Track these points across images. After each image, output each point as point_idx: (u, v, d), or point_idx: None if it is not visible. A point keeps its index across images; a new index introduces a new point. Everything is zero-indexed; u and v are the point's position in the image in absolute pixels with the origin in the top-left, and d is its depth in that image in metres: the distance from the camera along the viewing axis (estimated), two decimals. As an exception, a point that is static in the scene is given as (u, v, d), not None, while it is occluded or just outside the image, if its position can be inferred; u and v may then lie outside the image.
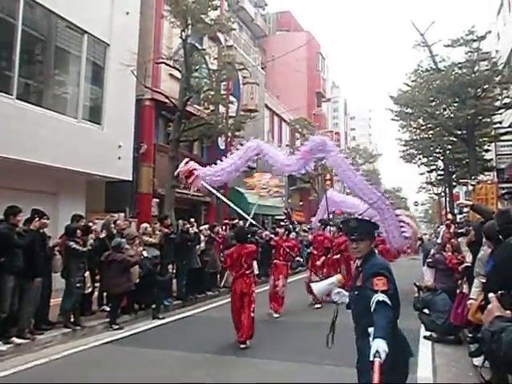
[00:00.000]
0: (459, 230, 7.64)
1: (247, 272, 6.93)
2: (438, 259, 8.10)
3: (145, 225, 9.66)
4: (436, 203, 45.98)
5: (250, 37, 27.90)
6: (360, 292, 2.98)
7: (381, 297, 2.75)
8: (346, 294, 3.27)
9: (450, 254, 7.55)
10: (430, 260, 8.71)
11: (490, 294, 1.95)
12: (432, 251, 10.79)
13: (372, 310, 2.75)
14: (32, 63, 11.09)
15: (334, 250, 10.30)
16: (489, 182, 12.25)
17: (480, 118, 17.81)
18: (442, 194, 31.90)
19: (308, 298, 10.19)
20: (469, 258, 6.22)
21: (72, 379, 5.30)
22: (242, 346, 6.55)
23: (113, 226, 8.85)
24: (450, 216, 9.40)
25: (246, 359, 6.13)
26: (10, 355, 6.09)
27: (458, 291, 6.81)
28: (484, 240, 4.58)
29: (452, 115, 18.28)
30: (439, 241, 9.36)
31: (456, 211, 25.75)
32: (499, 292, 2.01)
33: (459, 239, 7.35)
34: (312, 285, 3.14)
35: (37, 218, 6.70)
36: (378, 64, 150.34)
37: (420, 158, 22.82)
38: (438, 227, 18.26)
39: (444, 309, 7.14)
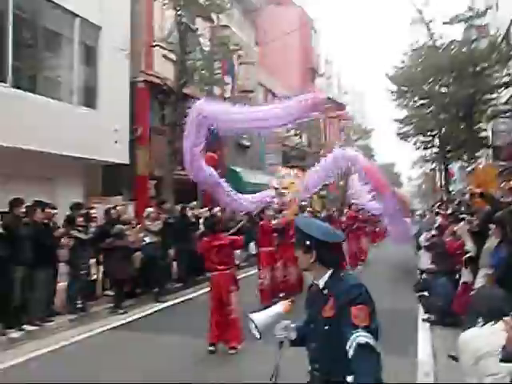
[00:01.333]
0: (461, 216, 7.69)
1: (222, 268, 5.94)
2: (436, 243, 8.23)
3: (149, 209, 9.66)
4: (430, 178, 46.17)
5: (241, 11, 27.39)
6: (331, 326, 2.14)
7: (362, 337, 2.02)
8: (294, 326, 2.41)
9: (449, 239, 7.66)
10: (428, 243, 8.86)
11: (507, 318, 1.89)
12: (425, 234, 10.97)
13: (350, 354, 2.02)
14: (24, 49, 10.89)
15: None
16: (488, 164, 12.27)
17: (478, 96, 17.74)
18: (437, 169, 32.02)
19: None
20: (470, 244, 6.29)
21: (83, 365, 5.45)
22: (231, 351, 5.81)
23: (114, 212, 8.88)
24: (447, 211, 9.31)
25: (253, 342, 6.23)
26: (23, 342, 6.29)
27: (457, 276, 6.94)
28: (492, 230, 4.62)
29: (450, 94, 18.19)
30: (435, 227, 9.45)
31: (451, 188, 25.97)
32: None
33: (460, 224, 7.43)
34: (250, 316, 2.24)
35: (39, 210, 6.73)
36: (372, 39, 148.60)
37: (415, 135, 22.80)
38: (433, 206, 18.41)
39: (444, 291, 7.30)
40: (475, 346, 2.86)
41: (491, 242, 4.86)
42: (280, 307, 2.38)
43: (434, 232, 9.02)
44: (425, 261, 9.65)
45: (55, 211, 7.21)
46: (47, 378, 3.39)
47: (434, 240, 8.80)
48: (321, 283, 2.22)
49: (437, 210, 16.95)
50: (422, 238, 12.81)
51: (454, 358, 3.86)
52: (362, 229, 16.22)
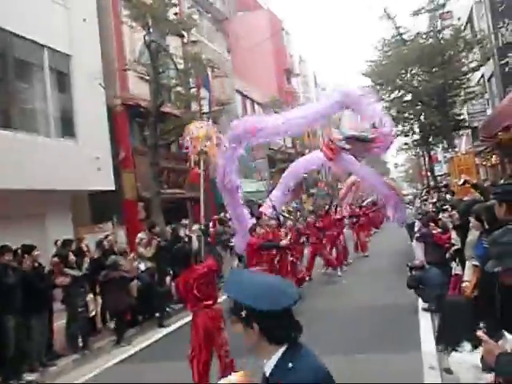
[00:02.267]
0: (444, 207, 7.82)
1: (206, 303, 5.03)
2: (426, 233, 8.33)
3: (141, 235, 9.61)
4: (415, 163, 46.60)
5: (211, 21, 27.43)
6: None
7: None
8: None
9: (436, 231, 7.75)
10: (418, 235, 8.97)
11: (478, 333, 1.95)
12: (417, 224, 11.11)
13: None
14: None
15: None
16: (466, 150, 12.52)
17: (449, 83, 18.09)
18: (421, 154, 32.35)
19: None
20: (454, 237, 6.38)
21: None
22: None
23: (106, 243, 8.84)
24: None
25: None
26: (24, 392, 6.15)
27: (449, 267, 7.02)
28: (472, 223, 4.69)
29: (422, 85, 18.51)
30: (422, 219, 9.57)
31: (436, 172, 26.29)
32: (480, 326, 2.05)
33: (443, 215, 7.53)
34: None
35: (27, 257, 6.66)
36: (344, 35, 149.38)
37: (395, 126, 23.06)
38: (421, 193, 18.64)
39: (437, 281, 7.38)
40: None
41: (473, 234, 4.93)
42: (235, 378, 1.90)
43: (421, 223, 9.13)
44: (418, 252, 9.74)
45: (38, 252, 7.07)
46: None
47: (423, 231, 8.90)
48: (267, 369, 1.59)
49: (425, 197, 17.18)
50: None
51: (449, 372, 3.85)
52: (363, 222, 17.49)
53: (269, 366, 1.58)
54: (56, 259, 7.33)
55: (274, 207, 9.36)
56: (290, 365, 1.53)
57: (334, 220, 13.99)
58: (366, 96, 8.33)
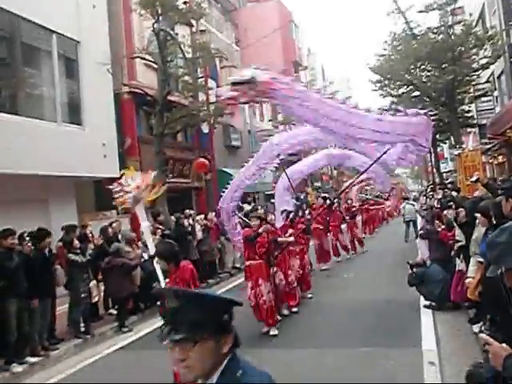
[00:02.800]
0: (449, 203, 7.78)
1: None
2: (430, 230, 8.31)
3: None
4: (421, 160, 46.35)
5: (221, 12, 27.31)
6: None
7: None
8: None
9: (441, 228, 7.72)
10: (423, 232, 8.95)
11: (482, 335, 1.94)
12: (421, 221, 11.07)
13: None
14: (3, 67, 10.82)
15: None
16: (473, 147, 12.46)
17: (459, 79, 17.94)
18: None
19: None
20: (458, 233, 6.36)
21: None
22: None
23: (110, 230, 8.86)
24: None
25: (269, 350, 6.28)
26: (26, 375, 6.20)
27: (453, 264, 7.01)
28: (478, 219, 4.70)
29: (431, 81, 18.36)
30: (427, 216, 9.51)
31: (442, 169, 26.17)
32: (483, 328, 2.02)
33: (448, 212, 7.49)
34: None
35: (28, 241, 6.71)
36: (352, 29, 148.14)
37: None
38: (426, 190, 18.56)
39: (438, 278, 7.38)
40: None
41: (478, 231, 4.94)
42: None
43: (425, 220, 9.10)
44: (423, 249, 9.72)
45: (49, 239, 7.12)
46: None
47: (427, 228, 8.88)
48: (210, 381, 1.48)
49: (431, 193, 17.10)
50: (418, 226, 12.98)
51: None
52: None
53: (214, 377, 1.46)
54: (60, 244, 7.37)
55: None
56: (240, 371, 1.45)
57: (337, 213, 14.11)
58: None
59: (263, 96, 4.77)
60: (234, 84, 4.74)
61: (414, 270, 7.78)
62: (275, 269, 7.66)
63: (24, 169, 9.84)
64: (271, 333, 6.88)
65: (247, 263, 7.42)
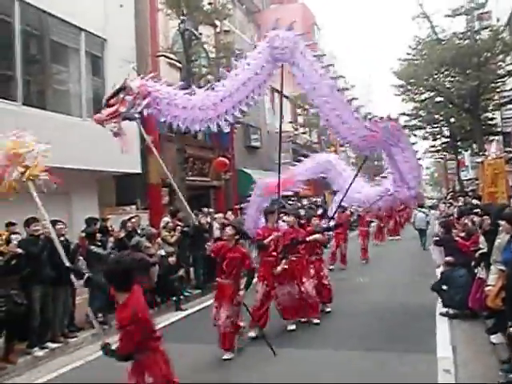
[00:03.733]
0: (475, 210, 7.68)
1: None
2: (446, 238, 8.24)
3: (166, 219, 9.76)
4: (441, 167, 45.92)
5: (244, 13, 27.46)
6: None
7: None
8: None
9: (459, 236, 7.67)
10: (437, 239, 8.88)
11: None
12: (437, 228, 10.96)
13: None
14: (33, 64, 11.09)
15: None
16: (497, 155, 12.29)
17: (484, 86, 17.71)
18: (448, 158, 31.86)
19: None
20: (482, 240, 6.32)
21: (108, 379, 5.56)
22: None
23: (130, 225, 9.02)
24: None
25: (287, 349, 6.33)
26: (46, 359, 6.41)
27: (472, 271, 6.96)
28: (502, 226, 4.67)
29: (455, 87, 18.18)
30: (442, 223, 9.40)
31: (463, 176, 25.85)
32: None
33: (469, 218, 7.44)
34: None
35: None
36: (375, 33, 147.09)
37: (424, 128, 22.75)
38: (446, 197, 18.36)
39: (461, 284, 7.33)
40: None
41: (502, 238, 4.91)
42: None
43: (442, 229, 8.96)
44: (437, 255, 9.67)
45: (64, 227, 7.31)
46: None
47: (443, 236, 8.82)
48: None
49: (450, 201, 16.93)
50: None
51: None
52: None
53: None
54: (82, 234, 7.55)
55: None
56: None
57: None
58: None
59: (143, 98, 5.08)
60: (108, 99, 5.06)
61: (442, 269, 7.68)
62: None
63: (49, 162, 10.03)
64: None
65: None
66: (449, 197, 17.94)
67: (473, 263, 6.98)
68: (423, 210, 17.83)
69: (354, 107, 6.23)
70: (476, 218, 7.13)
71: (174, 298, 9.26)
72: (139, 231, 9.22)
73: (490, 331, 6.10)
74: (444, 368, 5.43)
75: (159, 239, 9.03)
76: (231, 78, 5.81)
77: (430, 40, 19.02)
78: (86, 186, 12.21)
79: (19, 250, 6.20)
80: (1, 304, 5.82)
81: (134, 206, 13.99)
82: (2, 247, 6.31)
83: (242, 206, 9.88)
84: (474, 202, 10.10)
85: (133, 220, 9.33)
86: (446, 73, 19.01)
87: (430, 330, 6.86)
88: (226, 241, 6.21)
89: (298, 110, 28.89)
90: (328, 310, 8.30)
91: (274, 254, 7.15)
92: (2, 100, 9.46)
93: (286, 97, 29.26)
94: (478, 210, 7.64)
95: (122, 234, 8.78)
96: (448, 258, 8.08)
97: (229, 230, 6.22)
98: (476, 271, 6.97)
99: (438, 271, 9.52)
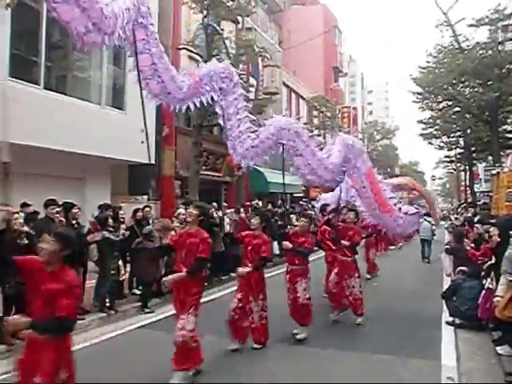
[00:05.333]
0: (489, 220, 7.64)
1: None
2: (457, 248, 8.21)
3: (181, 210, 9.82)
4: (454, 178, 45.64)
5: (266, 12, 27.52)
6: None
7: None
8: None
9: (469, 247, 7.65)
10: (448, 247, 8.85)
11: None
12: (448, 237, 10.90)
13: None
14: (56, 50, 11.23)
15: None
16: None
17: (504, 98, 17.54)
18: (461, 168, 31.66)
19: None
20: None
21: (113, 361, 5.65)
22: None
23: (141, 214, 9.08)
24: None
25: (280, 344, 6.40)
26: (53, 340, 6.46)
27: (480, 281, 6.93)
28: (512, 237, 4.67)
29: (475, 97, 18.03)
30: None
31: (476, 189, 25.64)
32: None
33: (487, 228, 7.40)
34: None
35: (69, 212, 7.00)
36: (396, 39, 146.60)
37: (439, 137, 22.63)
38: (458, 208, 18.21)
39: (469, 296, 7.28)
40: None
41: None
42: None
43: (451, 238, 8.95)
44: (447, 264, 9.63)
45: (78, 211, 7.46)
46: (79, 374, 3.60)
47: (454, 246, 8.79)
48: None
49: (462, 212, 16.79)
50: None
51: None
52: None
53: None
54: (93, 219, 7.64)
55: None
56: None
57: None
58: None
59: None
60: None
61: (451, 277, 7.65)
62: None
63: (66, 146, 10.18)
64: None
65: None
66: (460, 209, 17.79)
67: (482, 274, 6.94)
68: (429, 219, 15.86)
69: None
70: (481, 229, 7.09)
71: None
72: (151, 221, 9.27)
73: (496, 342, 6.07)
74: (447, 376, 5.42)
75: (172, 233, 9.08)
76: None
77: (452, 49, 18.88)
78: (100, 172, 12.34)
79: (26, 228, 6.29)
80: (10, 280, 5.89)
81: (145, 196, 14.11)
82: (16, 226, 6.40)
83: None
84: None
85: (145, 209, 9.39)
86: (466, 83, 18.87)
87: (435, 338, 6.85)
88: (253, 230, 6.35)
89: (314, 113, 28.87)
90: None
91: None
92: (25, 83, 9.59)
93: (303, 98, 29.31)
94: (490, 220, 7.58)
95: (133, 222, 8.84)
96: (461, 268, 8.04)
97: (254, 220, 6.41)
98: (484, 282, 6.94)
99: (448, 279, 9.47)
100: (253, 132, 6.55)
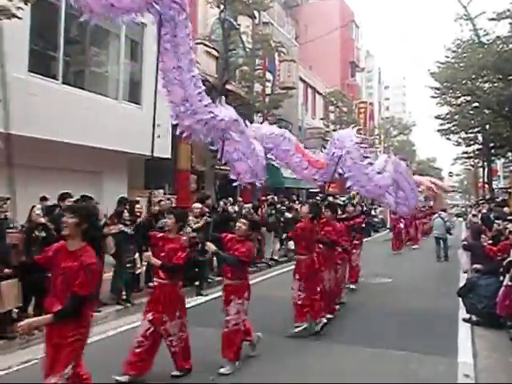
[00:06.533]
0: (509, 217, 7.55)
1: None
2: (474, 244, 8.11)
3: (197, 205, 9.87)
4: (472, 174, 45.04)
5: (282, 6, 27.39)
6: None
7: None
8: None
9: (487, 243, 7.55)
10: (465, 243, 8.76)
11: None
12: (465, 233, 10.77)
13: None
14: (74, 45, 11.35)
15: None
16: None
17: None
18: (479, 165, 31.23)
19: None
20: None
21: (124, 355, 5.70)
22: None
23: (158, 208, 9.14)
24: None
25: (304, 342, 6.36)
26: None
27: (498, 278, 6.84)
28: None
29: (494, 92, 17.70)
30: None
31: (494, 185, 25.30)
32: None
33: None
34: None
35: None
36: (414, 34, 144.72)
37: (457, 133, 22.32)
38: (476, 204, 17.97)
39: (486, 294, 7.20)
40: None
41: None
42: None
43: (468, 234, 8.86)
44: (464, 260, 9.52)
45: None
46: (96, 366, 3.66)
47: (471, 243, 8.69)
48: None
49: (479, 209, 16.57)
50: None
51: None
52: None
53: None
54: (113, 213, 7.73)
55: None
56: None
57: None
58: None
59: None
60: None
61: (468, 275, 7.59)
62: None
63: (83, 140, 10.30)
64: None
65: None
66: (479, 205, 17.55)
67: (501, 270, 6.85)
68: (443, 215, 15.72)
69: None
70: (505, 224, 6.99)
71: (196, 283, 9.37)
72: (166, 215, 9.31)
73: (514, 340, 5.99)
74: (464, 373, 5.36)
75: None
76: None
77: (472, 43, 18.56)
78: (117, 166, 12.45)
79: (42, 220, 6.39)
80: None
81: (161, 191, 14.17)
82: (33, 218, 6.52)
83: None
84: (506, 209, 9.89)
85: (161, 203, 9.45)
86: (485, 77, 18.53)
87: (451, 335, 6.78)
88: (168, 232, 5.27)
89: (331, 108, 28.70)
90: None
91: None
92: (44, 78, 9.72)
93: (320, 93, 29.17)
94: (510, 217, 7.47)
95: (148, 216, 8.90)
96: (476, 266, 7.95)
97: (169, 220, 5.33)
98: (502, 278, 6.85)
99: (465, 276, 9.37)
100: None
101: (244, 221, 5.61)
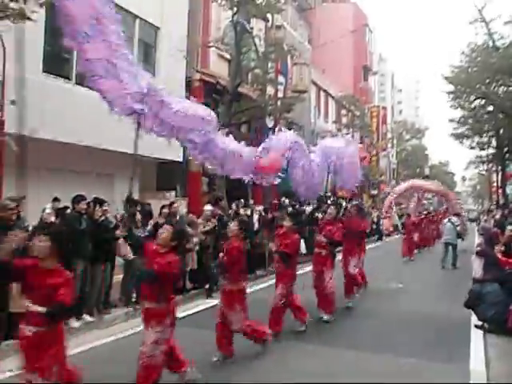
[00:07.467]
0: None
1: None
2: (487, 252, 7.99)
3: (208, 207, 9.87)
4: (485, 179, 44.56)
5: (296, 9, 27.39)
6: None
7: None
8: None
9: (501, 253, 7.44)
10: (479, 249, 8.64)
11: None
12: (479, 240, 10.59)
13: None
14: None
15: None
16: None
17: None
18: (493, 170, 30.89)
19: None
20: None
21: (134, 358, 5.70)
22: None
23: (165, 210, 9.15)
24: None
25: (303, 344, 6.37)
26: (82, 331, 6.63)
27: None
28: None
29: (509, 96, 17.50)
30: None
31: (508, 191, 24.95)
32: None
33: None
34: None
35: (98, 207, 7.12)
36: (428, 37, 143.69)
37: (471, 137, 22.12)
38: (489, 210, 17.76)
39: (495, 300, 7.09)
40: None
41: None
42: None
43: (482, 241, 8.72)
44: (476, 266, 9.38)
45: (108, 208, 7.59)
46: (105, 368, 3.64)
47: (484, 249, 8.56)
48: None
49: (493, 214, 16.36)
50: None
51: None
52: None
53: None
54: (118, 215, 7.77)
55: None
56: None
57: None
58: None
59: None
60: None
61: (472, 286, 7.49)
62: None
63: (95, 142, 10.37)
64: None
65: None
66: (493, 210, 17.33)
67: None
68: (453, 219, 15.12)
69: None
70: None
71: (207, 286, 9.37)
72: (178, 217, 9.33)
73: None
74: (476, 382, 5.29)
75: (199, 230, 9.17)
76: None
77: (486, 47, 18.39)
78: (129, 169, 12.46)
79: (52, 219, 6.45)
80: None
81: (173, 193, 14.24)
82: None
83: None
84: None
85: (174, 205, 9.47)
86: (500, 81, 18.34)
87: (463, 342, 6.69)
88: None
89: (343, 111, 28.62)
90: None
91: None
92: (58, 78, 9.81)
93: (332, 96, 29.09)
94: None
95: (162, 220, 8.91)
96: (476, 276, 7.85)
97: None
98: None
99: (477, 283, 9.24)
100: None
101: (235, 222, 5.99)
